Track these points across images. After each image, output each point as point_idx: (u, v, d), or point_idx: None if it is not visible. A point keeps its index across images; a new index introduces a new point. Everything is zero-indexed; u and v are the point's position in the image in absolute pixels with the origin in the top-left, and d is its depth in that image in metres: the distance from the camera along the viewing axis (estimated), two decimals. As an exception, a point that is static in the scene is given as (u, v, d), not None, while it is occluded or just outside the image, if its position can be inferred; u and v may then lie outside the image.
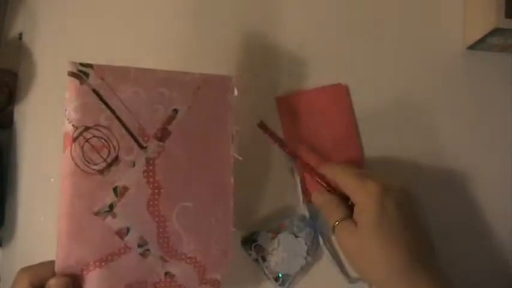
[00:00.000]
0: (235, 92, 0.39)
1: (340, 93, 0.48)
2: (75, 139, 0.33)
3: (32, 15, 0.51)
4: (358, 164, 0.47)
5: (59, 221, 0.33)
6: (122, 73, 0.34)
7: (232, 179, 0.39)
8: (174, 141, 0.36)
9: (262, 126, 0.46)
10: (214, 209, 0.38)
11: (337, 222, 0.39)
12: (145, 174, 0.35)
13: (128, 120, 0.34)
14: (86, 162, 0.33)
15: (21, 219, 0.49)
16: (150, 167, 0.35)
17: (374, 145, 0.48)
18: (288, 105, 0.48)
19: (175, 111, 0.36)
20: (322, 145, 0.47)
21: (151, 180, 0.35)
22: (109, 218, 0.34)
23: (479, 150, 0.48)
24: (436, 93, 0.49)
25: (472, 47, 0.48)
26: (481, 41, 0.46)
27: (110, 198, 0.34)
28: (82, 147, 0.33)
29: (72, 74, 0.33)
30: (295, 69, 0.49)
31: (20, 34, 0.51)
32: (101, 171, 0.33)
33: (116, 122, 0.34)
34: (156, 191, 0.35)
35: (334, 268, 0.45)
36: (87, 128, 0.33)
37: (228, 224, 0.38)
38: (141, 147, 0.35)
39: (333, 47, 0.49)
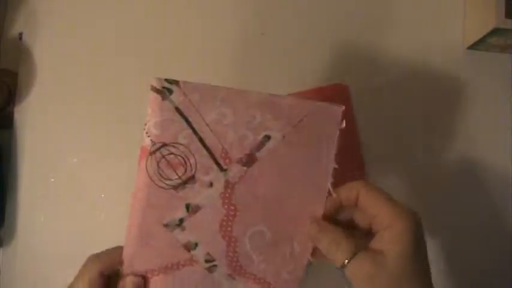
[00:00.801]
0: (343, 125, 0.36)
1: (341, 93, 0.48)
2: (151, 153, 0.33)
3: (32, 15, 0.51)
4: (359, 165, 0.47)
5: (128, 229, 0.33)
6: (210, 92, 0.33)
7: (321, 215, 0.35)
8: (259, 168, 0.34)
9: None
10: (291, 241, 0.36)
11: (346, 261, 0.33)
12: (222, 196, 0.34)
13: (210, 141, 0.33)
14: (161, 178, 0.33)
15: (21, 219, 0.49)
16: (229, 190, 0.34)
17: (374, 145, 0.48)
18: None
19: (267, 137, 0.34)
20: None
21: (226, 202, 0.34)
22: (177, 231, 0.34)
23: (479, 150, 0.48)
24: (436, 93, 0.49)
25: (472, 47, 0.48)
26: (481, 41, 0.46)
27: (181, 213, 0.34)
28: (158, 163, 0.33)
29: (155, 90, 0.32)
30: (296, 69, 0.49)
31: (20, 34, 0.51)
32: (175, 187, 0.33)
33: (196, 141, 0.33)
34: (232, 213, 0.34)
35: (334, 268, 0.45)
36: (164, 145, 0.33)
37: (303, 258, 0.36)
38: (221, 169, 0.34)
39: (332, 46, 0.50)
